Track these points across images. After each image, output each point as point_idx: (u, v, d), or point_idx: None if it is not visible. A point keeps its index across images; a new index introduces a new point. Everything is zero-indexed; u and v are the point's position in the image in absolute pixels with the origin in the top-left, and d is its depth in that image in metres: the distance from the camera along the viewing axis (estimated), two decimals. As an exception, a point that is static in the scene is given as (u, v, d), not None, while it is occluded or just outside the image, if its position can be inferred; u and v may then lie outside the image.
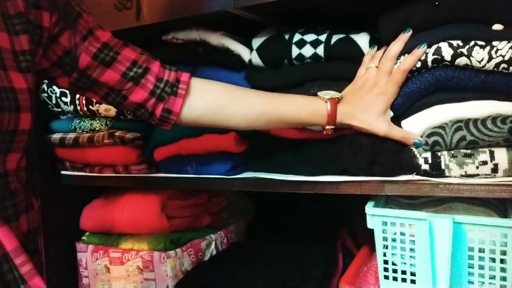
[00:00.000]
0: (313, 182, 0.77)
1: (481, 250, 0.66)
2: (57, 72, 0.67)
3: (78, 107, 0.99)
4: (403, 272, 0.73)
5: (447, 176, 0.68)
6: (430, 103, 0.70)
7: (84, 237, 1.08)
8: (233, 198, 1.23)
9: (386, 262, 0.74)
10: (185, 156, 0.89)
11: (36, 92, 1.00)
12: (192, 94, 0.72)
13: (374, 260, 0.79)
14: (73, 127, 1.01)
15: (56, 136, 1.02)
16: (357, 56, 0.77)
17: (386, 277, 0.74)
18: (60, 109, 1.03)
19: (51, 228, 1.05)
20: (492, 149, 0.65)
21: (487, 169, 0.65)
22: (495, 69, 0.64)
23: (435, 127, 0.69)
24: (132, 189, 1.04)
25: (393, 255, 0.73)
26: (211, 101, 0.72)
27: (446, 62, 0.66)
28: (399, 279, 0.73)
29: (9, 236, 0.52)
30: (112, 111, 0.95)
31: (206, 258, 1.06)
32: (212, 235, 1.08)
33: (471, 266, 0.68)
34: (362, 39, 0.77)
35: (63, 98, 1.00)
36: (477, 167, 0.65)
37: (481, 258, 0.67)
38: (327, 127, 0.73)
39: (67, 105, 1.00)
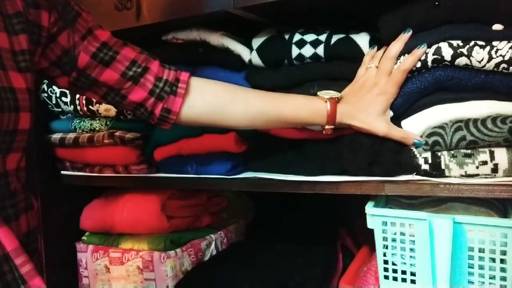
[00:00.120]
0: (313, 182, 0.77)
1: (481, 250, 0.66)
2: (56, 72, 0.67)
3: (78, 107, 0.99)
4: (403, 272, 0.73)
5: (447, 176, 0.68)
6: (430, 103, 0.70)
7: (84, 237, 1.08)
8: (233, 198, 1.23)
9: (386, 262, 0.74)
10: (185, 156, 0.89)
11: (36, 92, 1.00)
12: (191, 93, 0.72)
13: (374, 260, 0.79)
14: (73, 127, 1.01)
15: (56, 136, 1.02)
16: (357, 56, 0.77)
17: (386, 277, 0.74)
18: (60, 109, 1.03)
19: (51, 228, 1.05)
20: (492, 149, 0.65)
21: (487, 169, 0.65)
22: (495, 69, 0.64)
23: (435, 127, 0.69)
24: (132, 189, 1.04)
25: (393, 255, 0.73)
26: (210, 100, 0.72)
27: (446, 62, 0.66)
28: (399, 279, 0.73)
29: (9, 237, 0.52)
30: (112, 111, 0.95)
31: (206, 258, 1.06)
32: (212, 235, 1.08)
33: (471, 266, 0.68)
34: (362, 39, 0.77)
35: (63, 98, 1.00)
36: (477, 167, 0.65)
37: (481, 258, 0.67)
38: (327, 127, 0.73)
39: (67, 105, 1.00)
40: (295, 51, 0.79)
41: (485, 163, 0.65)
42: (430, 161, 0.68)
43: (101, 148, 0.97)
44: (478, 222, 0.66)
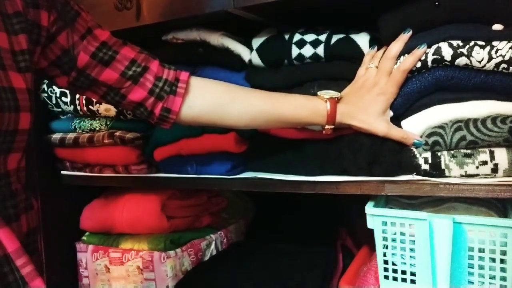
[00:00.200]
0: (313, 182, 0.77)
1: (481, 250, 0.66)
2: (55, 72, 0.67)
3: (78, 107, 0.99)
4: (403, 272, 0.73)
5: (447, 176, 0.68)
6: (430, 103, 0.70)
7: (84, 237, 1.08)
8: (233, 198, 1.23)
9: (386, 262, 0.74)
10: (185, 156, 0.89)
11: (36, 92, 1.00)
12: (191, 93, 0.72)
13: (374, 260, 0.79)
14: (73, 127, 1.01)
15: (56, 136, 1.02)
16: (357, 56, 0.77)
17: (386, 277, 0.74)
18: (60, 109, 1.03)
19: (51, 228, 1.05)
20: (492, 149, 0.65)
21: (487, 169, 0.65)
22: (495, 69, 0.64)
23: (435, 127, 0.69)
24: (132, 189, 1.04)
25: (393, 255, 0.73)
26: (210, 100, 0.72)
27: (446, 62, 0.66)
28: (399, 279, 0.73)
29: (11, 237, 0.52)
30: (112, 111, 0.95)
31: (206, 258, 1.06)
32: (212, 235, 1.08)
33: (471, 266, 0.68)
34: (362, 39, 0.77)
35: (63, 98, 1.00)
36: (477, 167, 0.65)
37: (481, 258, 0.67)
38: (327, 126, 0.73)
39: (67, 105, 1.00)
40: (295, 51, 0.79)
41: (485, 163, 0.65)
42: (430, 161, 0.68)
43: (101, 148, 0.97)
44: (478, 222, 0.66)
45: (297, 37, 0.80)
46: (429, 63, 0.67)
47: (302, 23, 0.84)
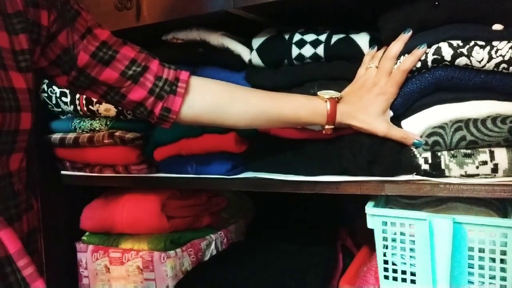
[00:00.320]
0: (313, 182, 0.77)
1: (481, 250, 0.66)
2: (55, 71, 0.67)
3: (78, 107, 0.99)
4: (403, 272, 0.73)
5: (447, 176, 0.68)
6: (430, 103, 0.70)
7: (84, 237, 1.08)
8: (233, 198, 1.23)
9: (386, 262, 0.74)
10: (185, 156, 0.89)
11: (36, 92, 1.00)
12: (191, 92, 0.72)
13: (374, 260, 0.79)
14: (73, 127, 1.01)
15: (56, 136, 1.02)
16: (357, 56, 0.77)
17: (386, 277, 0.74)
18: (60, 109, 1.03)
19: (51, 228, 1.05)
20: (492, 149, 0.65)
21: (487, 169, 0.65)
22: (495, 69, 0.64)
23: (435, 127, 0.69)
24: (132, 189, 1.04)
25: (393, 255, 0.73)
26: (210, 99, 0.72)
27: (446, 62, 0.66)
28: (399, 279, 0.73)
29: (12, 238, 0.52)
30: (112, 111, 0.95)
31: (206, 258, 1.06)
32: (212, 235, 1.08)
33: (471, 266, 0.68)
34: (362, 39, 0.77)
35: (63, 98, 1.00)
36: (477, 167, 0.65)
37: (481, 258, 0.67)
38: (327, 126, 0.73)
39: (67, 105, 1.00)
40: (295, 51, 0.79)
41: (485, 163, 0.65)
42: (430, 161, 0.68)
43: (101, 148, 0.97)
44: (478, 222, 0.66)
45: (297, 37, 0.80)
46: (429, 63, 0.67)
47: (302, 23, 0.84)
